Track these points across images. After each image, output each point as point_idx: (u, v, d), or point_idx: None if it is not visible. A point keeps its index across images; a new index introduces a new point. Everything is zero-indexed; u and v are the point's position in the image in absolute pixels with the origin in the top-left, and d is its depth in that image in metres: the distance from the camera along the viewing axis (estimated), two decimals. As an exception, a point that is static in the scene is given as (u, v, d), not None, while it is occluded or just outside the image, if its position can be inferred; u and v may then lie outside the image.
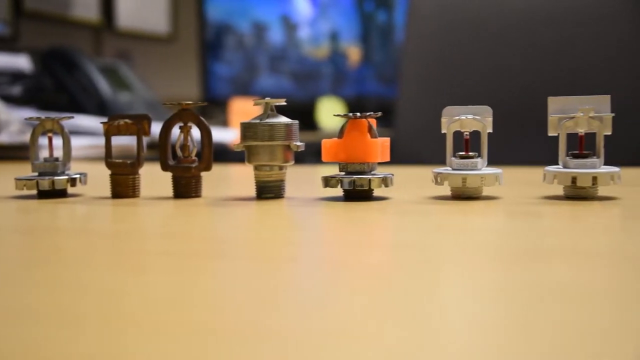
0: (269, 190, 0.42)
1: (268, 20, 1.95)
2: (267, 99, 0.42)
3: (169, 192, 0.44)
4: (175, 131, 0.44)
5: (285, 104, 0.42)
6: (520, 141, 0.87)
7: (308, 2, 1.95)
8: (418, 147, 0.96)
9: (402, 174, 0.57)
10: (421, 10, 0.99)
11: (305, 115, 1.77)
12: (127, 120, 0.43)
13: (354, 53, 1.96)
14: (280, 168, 0.42)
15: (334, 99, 1.90)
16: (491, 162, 0.42)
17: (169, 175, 0.44)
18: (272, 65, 1.94)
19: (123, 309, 0.20)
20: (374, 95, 1.91)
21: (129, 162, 0.44)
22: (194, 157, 0.44)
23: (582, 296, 0.20)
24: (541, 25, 0.92)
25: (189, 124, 0.43)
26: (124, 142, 0.50)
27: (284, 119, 0.42)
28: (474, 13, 0.96)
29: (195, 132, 0.44)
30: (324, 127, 1.80)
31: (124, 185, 0.44)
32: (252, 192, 0.43)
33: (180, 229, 0.35)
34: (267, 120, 0.41)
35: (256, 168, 0.42)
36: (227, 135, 1.14)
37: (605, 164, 0.40)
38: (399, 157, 0.97)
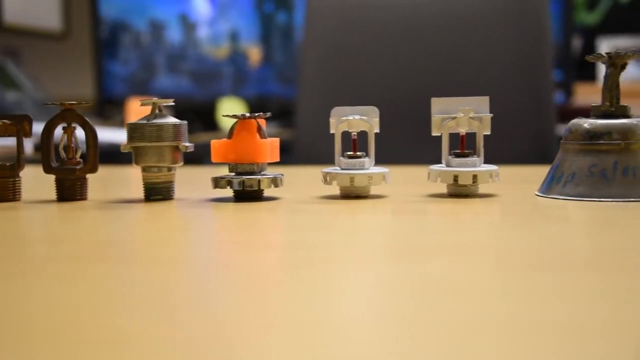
0: (157, 192, 0.42)
1: (166, 19, 1.91)
2: (155, 99, 0.41)
3: (53, 195, 0.43)
4: (59, 132, 0.42)
5: (173, 104, 0.41)
6: (413, 141, 0.90)
7: (207, 2, 1.92)
8: (317, 147, 0.97)
9: (295, 174, 0.58)
10: (319, 11, 1.00)
11: (205, 116, 1.74)
12: (5, 121, 0.42)
13: (254, 53, 1.95)
14: (169, 169, 0.42)
15: (235, 99, 1.89)
16: (382, 161, 0.43)
17: (52, 177, 0.43)
18: (171, 65, 1.91)
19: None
20: (275, 96, 1.91)
21: (8, 164, 0.42)
22: (78, 159, 0.42)
23: (461, 290, 0.21)
24: (434, 29, 0.95)
25: (73, 124, 0.42)
26: (9, 143, 0.47)
27: (172, 120, 0.41)
28: (371, 15, 0.98)
29: (81, 133, 0.42)
30: (225, 128, 1.78)
31: (3, 188, 0.42)
32: (141, 194, 0.42)
33: (63, 233, 0.34)
34: (155, 121, 0.41)
35: (144, 169, 0.42)
36: (122, 136, 1.11)
37: (485, 162, 0.42)
38: (299, 157, 0.98)
